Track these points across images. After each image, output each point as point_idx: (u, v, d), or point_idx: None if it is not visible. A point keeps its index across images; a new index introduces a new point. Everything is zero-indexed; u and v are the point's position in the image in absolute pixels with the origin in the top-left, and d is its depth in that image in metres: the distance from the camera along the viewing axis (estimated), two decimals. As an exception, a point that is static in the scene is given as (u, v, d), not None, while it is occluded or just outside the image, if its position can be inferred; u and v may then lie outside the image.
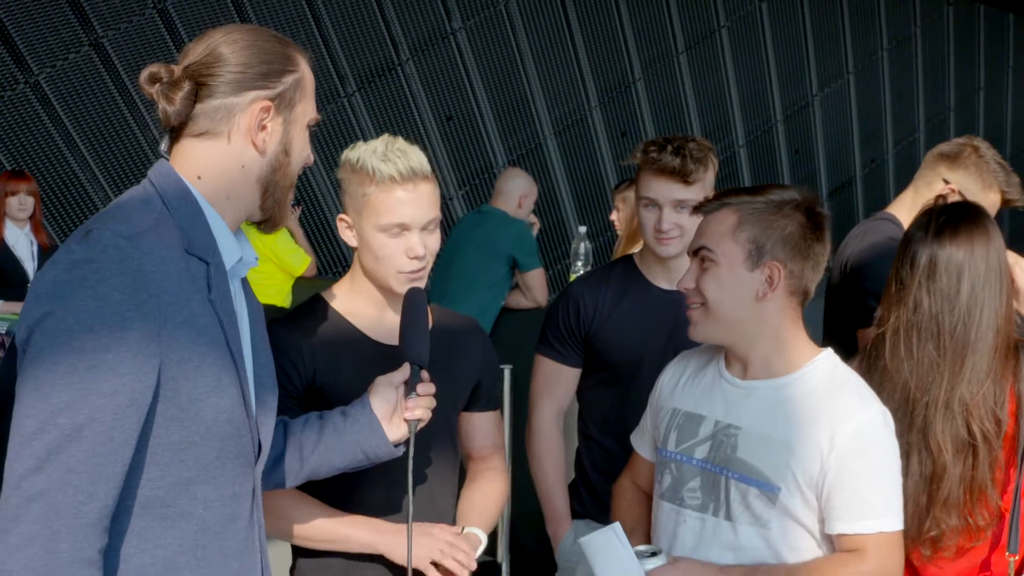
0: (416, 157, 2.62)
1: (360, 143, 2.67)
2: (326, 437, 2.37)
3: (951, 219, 2.75)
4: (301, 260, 7.24)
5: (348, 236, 2.68)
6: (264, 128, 2.07)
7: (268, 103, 2.06)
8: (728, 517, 2.49)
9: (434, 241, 2.65)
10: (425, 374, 2.41)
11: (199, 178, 2.06)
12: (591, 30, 10.70)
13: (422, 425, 2.40)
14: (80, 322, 1.82)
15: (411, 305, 2.48)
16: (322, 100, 9.07)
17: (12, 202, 6.85)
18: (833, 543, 2.47)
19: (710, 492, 2.52)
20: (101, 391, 1.81)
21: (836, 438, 2.39)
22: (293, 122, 2.12)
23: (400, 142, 2.64)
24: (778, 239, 2.47)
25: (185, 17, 8.51)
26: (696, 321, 2.54)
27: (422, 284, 2.66)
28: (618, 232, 6.40)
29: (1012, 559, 2.68)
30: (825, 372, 2.52)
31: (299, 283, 7.35)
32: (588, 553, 2.46)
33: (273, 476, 2.35)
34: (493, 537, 5.09)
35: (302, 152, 2.17)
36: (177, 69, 2.07)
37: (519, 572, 5.42)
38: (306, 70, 2.15)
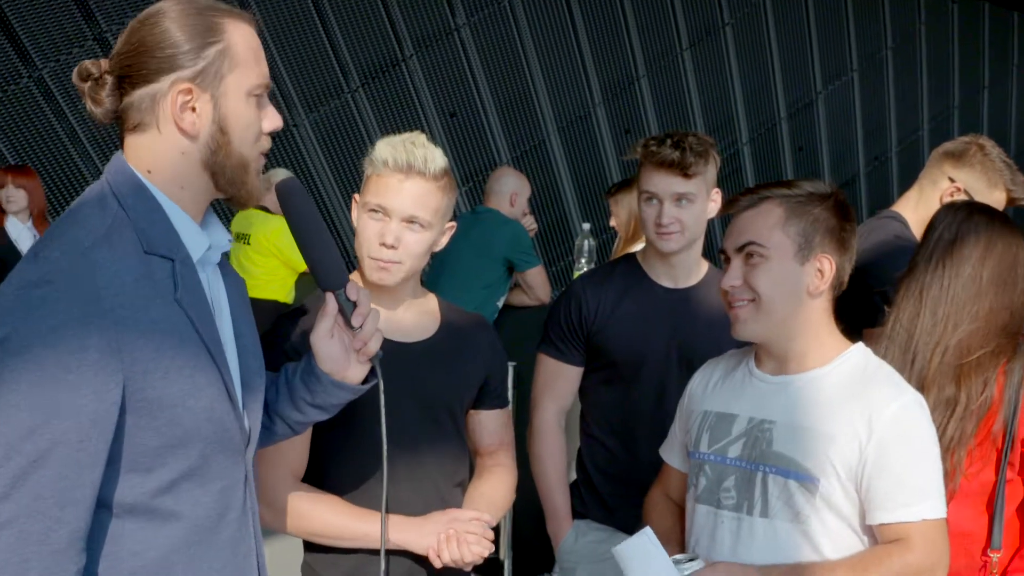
0: (422, 154, 2.62)
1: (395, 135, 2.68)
2: (300, 405, 2.31)
3: (987, 208, 2.93)
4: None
5: (353, 217, 2.70)
6: (192, 110, 1.97)
7: (187, 84, 1.96)
8: (764, 514, 2.45)
9: (414, 241, 2.62)
10: (351, 290, 2.23)
11: (149, 172, 2.00)
12: (595, 26, 10.69)
13: (378, 346, 2.27)
14: (38, 344, 1.78)
15: (296, 213, 2.22)
16: (325, 96, 9.07)
17: (0, 195, 6.85)
18: (875, 535, 2.42)
19: (745, 490, 2.49)
20: (63, 413, 1.78)
21: (874, 426, 2.37)
22: (224, 96, 1.99)
23: (420, 139, 2.66)
24: (825, 231, 2.47)
25: (189, 12, 8.48)
26: (744, 318, 2.49)
27: (390, 278, 2.63)
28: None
29: (996, 555, 2.71)
30: (858, 363, 2.51)
31: (303, 279, 7.34)
32: (622, 560, 2.41)
33: (271, 434, 2.33)
34: (496, 534, 5.08)
35: (250, 126, 2.04)
36: (105, 63, 2.01)
37: (522, 569, 5.42)
38: (235, 36, 2.01)
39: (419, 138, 2.65)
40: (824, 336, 2.52)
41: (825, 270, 2.47)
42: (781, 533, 2.43)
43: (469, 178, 9.99)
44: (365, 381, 2.31)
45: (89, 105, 2.01)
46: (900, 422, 2.39)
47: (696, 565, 2.41)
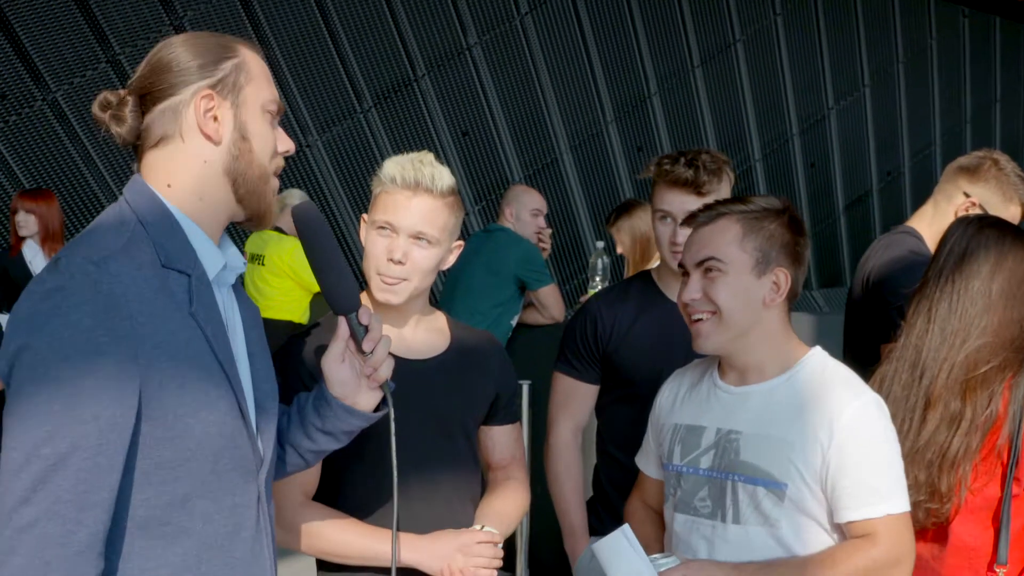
0: (430, 172, 2.64)
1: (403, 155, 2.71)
2: (311, 431, 2.32)
3: (999, 222, 2.94)
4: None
5: (362, 238, 2.71)
6: (214, 118, 2.03)
7: (208, 91, 2.03)
8: (737, 520, 2.54)
9: (421, 257, 2.63)
10: (364, 315, 2.24)
11: (169, 186, 2.04)
12: (607, 45, 10.71)
13: (389, 374, 2.28)
14: (55, 352, 1.82)
15: (312, 238, 2.24)
16: (338, 116, 9.10)
17: (14, 220, 6.92)
18: (844, 534, 2.51)
19: (718, 499, 2.57)
20: (82, 418, 1.81)
21: (834, 430, 2.46)
22: (243, 105, 2.06)
23: (428, 157, 2.68)
24: (780, 246, 2.57)
25: (202, 34, 8.53)
26: (707, 333, 2.57)
27: (397, 297, 2.64)
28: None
29: (1002, 571, 2.72)
30: (816, 368, 2.58)
31: (317, 299, 7.35)
32: (600, 557, 2.49)
33: (283, 466, 2.34)
34: (512, 553, 5.08)
35: (266, 138, 2.10)
36: (123, 91, 2.08)
37: (538, 588, 5.41)
38: (248, 55, 2.10)
39: (427, 157, 2.68)
40: (782, 345, 2.60)
41: (781, 283, 2.56)
42: (754, 538, 2.52)
43: (482, 197, 10.00)
44: (377, 409, 2.32)
45: (113, 127, 2.06)
46: (858, 424, 2.47)
47: (672, 562, 2.49)
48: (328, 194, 9.16)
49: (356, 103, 9.37)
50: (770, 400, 2.56)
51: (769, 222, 2.57)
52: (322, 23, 9.13)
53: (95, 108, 2.09)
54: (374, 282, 2.65)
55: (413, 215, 2.62)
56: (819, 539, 2.50)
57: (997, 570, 2.72)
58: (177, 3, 8.48)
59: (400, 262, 2.61)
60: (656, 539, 2.80)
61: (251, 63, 2.09)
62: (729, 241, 2.55)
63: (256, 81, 2.09)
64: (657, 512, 2.85)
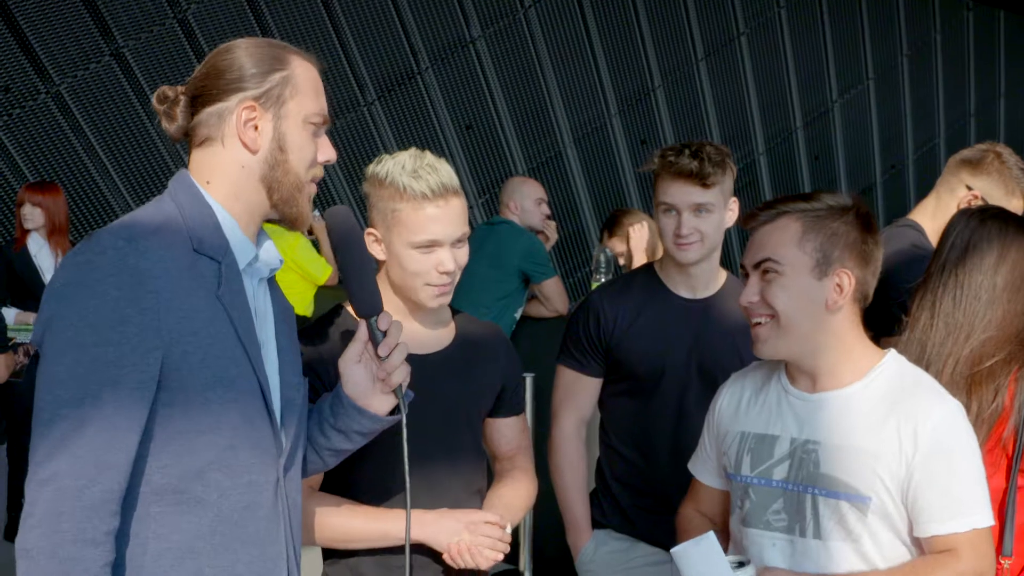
0: (446, 172, 2.63)
1: (386, 157, 2.68)
2: (325, 428, 2.39)
3: (1001, 213, 2.91)
4: (323, 269, 7.24)
5: (376, 250, 2.67)
6: (255, 128, 2.13)
7: (252, 102, 2.13)
8: (817, 535, 2.44)
9: (463, 255, 2.68)
10: (383, 320, 2.31)
11: (208, 183, 2.15)
12: (610, 38, 10.70)
13: (406, 381, 2.33)
14: (82, 318, 1.94)
15: (343, 241, 2.33)
16: (342, 109, 9.09)
17: (20, 212, 6.90)
18: (923, 547, 2.42)
19: (796, 512, 2.47)
20: (103, 381, 1.93)
21: (919, 439, 2.36)
22: (284, 118, 2.16)
23: (429, 157, 2.65)
24: (844, 246, 2.45)
25: (205, 27, 8.54)
26: (765, 337, 2.47)
27: (448, 298, 2.69)
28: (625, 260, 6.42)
29: (1007, 562, 2.70)
30: (894, 374, 2.48)
31: (322, 292, 7.36)
32: (681, 563, 2.39)
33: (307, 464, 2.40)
34: (516, 546, 5.08)
35: (305, 149, 2.19)
36: (181, 88, 2.19)
37: (541, 581, 5.42)
38: (300, 69, 2.19)
39: (427, 157, 2.65)
40: (854, 349, 2.49)
41: (844, 285, 2.44)
42: (835, 553, 2.42)
43: (486, 190, 10.00)
44: (392, 414, 2.37)
45: (164, 123, 2.19)
46: (943, 433, 2.38)
47: (749, 571, 2.38)
48: (332, 187, 9.16)
49: (360, 96, 9.37)
50: (848, 408, 2.45)
51: (832, 220, 2.45)
52: (326, 16, 9.12)
53: (154, 101, 2.21)
54: (425, 292, 2.66)
55: (452, 224, 2.63)
56: (899, 553, 2.42)
57: (1002, 561, 2.71)
58: (181, -4, 8.49)
59: (454, 272, 2.65)
60: None
61: (300, 77, 2.18)
62: (787, 241, 2.44)
63: (302, 95, 2.18)
64: (712, 521, 2.75)
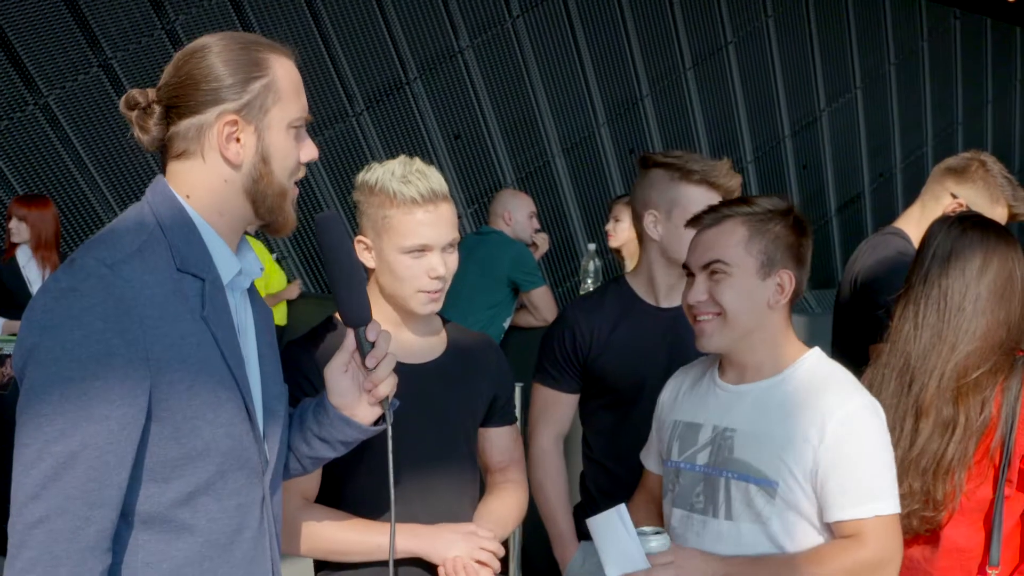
0: (435, 178, 2.64)
1: (376, 165, 2.68)
2: (309, 437, 2.35)
3: (981, 220, 2.94)
4: (277, 282, 7.28)
5: (366, 257, 2.68)
6: (237, 140, 2.05)
7: (233, 116, 2.04)
8: (729, 516, 2.57)
9: (453, 261, 2.67)
10: (371, 331, 2.27)
11: (188, 196, 2.07)
12: (598, 47, 10.72)
13: (392, 392, 2.30)
14: (67, 352, 1.86)
15: (332, 248, 2.25)
16: (330, 119, 9.10)
17: (11, 225, 6.90)
18: (834, 533, 2.51)
19: (712, 495, 2.60)
20: (92, 417, 1.86)
21: (826, 429, 2.47)
22: (268, 128, 2.07)
23: (418, 163, 2.66)
24: (784, 248, 2.59)
25: (193, 38, 8.40)
26: (710, 332, 2.60)
27: (439, 305, 2.69)
28: (620, 252, 6.44)
29: (994, 572, 2.72)
30: (812, 368, 2.61)
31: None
32: (594, 533, 2.50)
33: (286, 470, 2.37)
34: (505, 559, 5.06)
35: (288, 155, 2.12)
36: (152, 93, 2.09)
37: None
38: (280, 71, 2.10)
39: (416, 163, 2.66)
40: (782, 345, 2.63)
41: (785, 284, 2.58)
42: (745, 534, 2.54)
43: (474, 200, 10.01)
44: (377, 423, 2.34)
45: (137, 133, 2.09)
46: (850, 425, 2.48)
47: (661, 539, 2.48)
48: (320, 197, 9.16)
49: (348, 106, 9.38)
50: (765, 399, 2.59)
51: (774, 224, 2.59)
52: (314, 26, 9.13)
53: (122, 105, 2.11)
54: (416, 299, 2.66)
55: (442, 228, 2.64)
56: (810, 538, 2.52)
57: (989, 571, 2.72)
58: (169, 7, 8.48)
59: (445, 276, 2.65)
60: (653, 521, 2.81)
61: (281, 80, 2.09)
62: (735, 244, 2.58)
63: (284, 100, 2.09)
64: (659, 507, 2.87)
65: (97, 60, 8.25)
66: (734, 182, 3.23)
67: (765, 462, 2.52)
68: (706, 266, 2.60)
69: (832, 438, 2.46)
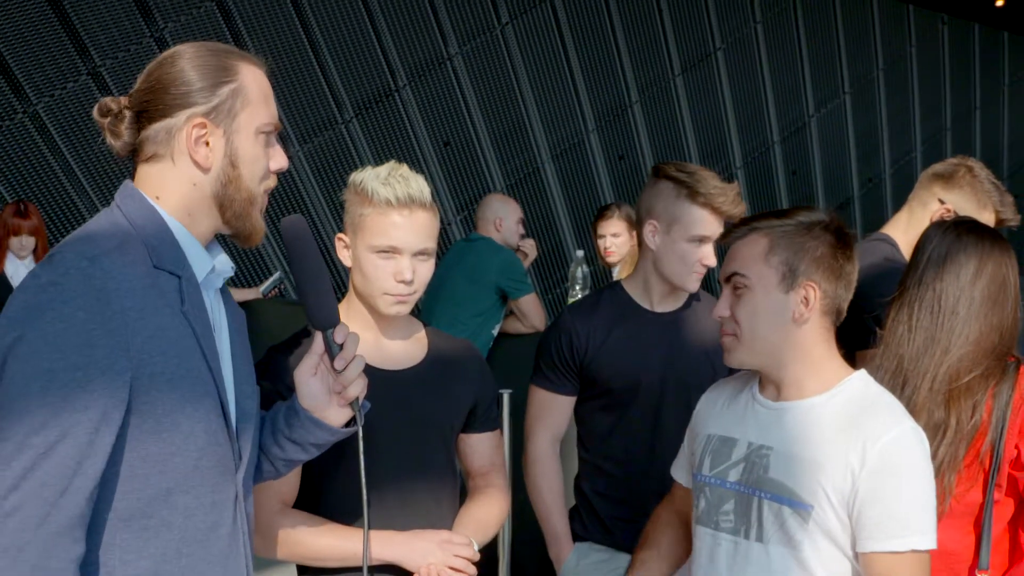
0: (416, 185, 2.65)
1: (368, 167, 2.71)
2: (280, 439, 2.35)
3: (977, 225, 2.93)
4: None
5: (344, 256, 2.72)
6: (206, 144, 2.08)
7: (202, 119, 2.08)
8: (760, 538, 2.48)
9: (425, 270, 2.68)
10: (339, 333, 2.26)
11: (158, 198, 2.10)
12: (587, 54, 10.73)
13: (362, 394, 2.30)
14: (48, 344, 1.87)
15: (298, 252, 2.24)
16: (319, 126, 9.09)
17: (14, 242, 6.88)
18: (861, 564, 2.43)
19: (743, 514, 2.52)
20: (73, 408, 1.87)
21: (867, 456, 2.36)
22: (236, 132, 2.11)
23: (404, 169, 2.68)
24: (811, 260, 2.49)
25: (182, 45, 8.51)
26: (730, 348, 2.56)
27: (407, 309, 2.70)
28: (612, 260, 6.46)
29: (983, 575, 2.73)
30: (857, 391, 2.50)
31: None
32: None
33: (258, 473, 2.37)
34: (494, 561, 5.07)
35: (258, 162, 2.14)
36: (124, 100, 2.12)
37: (521, 596, 5.40)
38: (248, 78, 2.13)
39: (402, 168, 2.68)
40: (820, 362, 2.53)
41: (810, 297, 2.48)
42: (775, 557, 2.46)
43: (464, 207, 10.01)
44: (348, 425, 2.34)
45: (109, 139, 2.14)
46: (893, 453, 2.38)
47: None
48: (309, 205, 9.15)
49: (337, 113, 9.37)
50: (806, 419, 2.48)
51: (801, 235, 2.50)
52: (303, 34, 9.13)
53: (95, 113, 2.14)
54: (383, 300, 2.67)
55: (416, 234, 2.64)
56: (840, 566, 2.43)
57: (979, 575, 2.73)
58: (158, 15, 8.48)
59: (411, 282, 2.65)
60: (674, 542, 2.84)
61: (250, 86, 2.13)
62: (755, 256, 2.52)
63: (253, 106, 2.12)
64: (683, 520, 2.84)
65: (86, 68, 8.24)
66: (738, 210, 3.27)
67: (801, 484, 2.42)
68: (729, 279, 2.56)
69: (873, 465, 2.36)
